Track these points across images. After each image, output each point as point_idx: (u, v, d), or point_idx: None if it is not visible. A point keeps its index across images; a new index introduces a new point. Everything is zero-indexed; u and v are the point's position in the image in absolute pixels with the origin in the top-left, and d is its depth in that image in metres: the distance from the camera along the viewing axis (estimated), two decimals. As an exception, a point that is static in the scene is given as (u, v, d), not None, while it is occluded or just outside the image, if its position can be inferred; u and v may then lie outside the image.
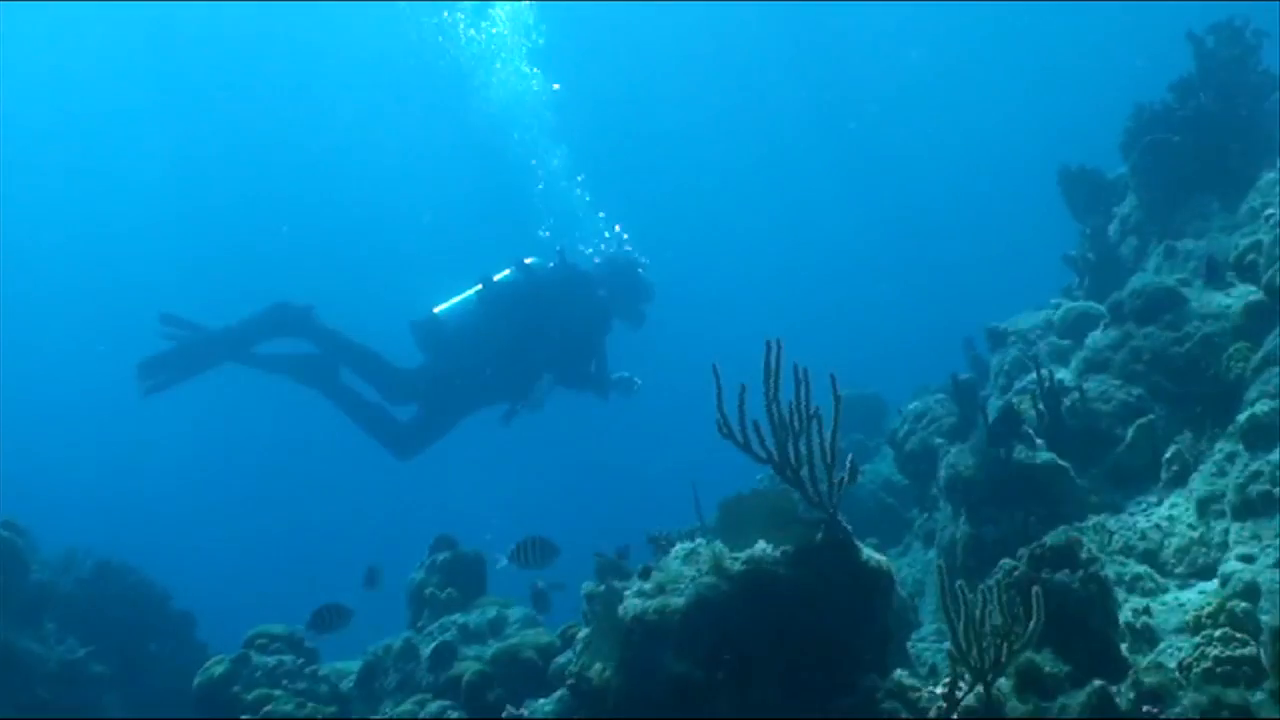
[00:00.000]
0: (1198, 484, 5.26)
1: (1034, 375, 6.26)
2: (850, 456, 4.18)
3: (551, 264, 9.48)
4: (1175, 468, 5.52)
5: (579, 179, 13.71)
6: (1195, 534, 5.07)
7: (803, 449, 4.09)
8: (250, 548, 26.77)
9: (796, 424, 4.08)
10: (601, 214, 13.38)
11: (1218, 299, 6.16)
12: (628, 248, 10.36)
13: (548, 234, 12.16)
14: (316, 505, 28.53)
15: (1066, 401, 5.95)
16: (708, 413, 4.07)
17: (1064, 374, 6.60)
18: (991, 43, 30.61)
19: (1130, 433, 5.80)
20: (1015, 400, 5.85)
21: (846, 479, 4.10)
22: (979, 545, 5.76)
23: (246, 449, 29.92)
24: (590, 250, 10.23)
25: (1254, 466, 4.95)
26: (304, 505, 28.66)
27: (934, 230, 33.33)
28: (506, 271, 9.33)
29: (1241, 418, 5.19)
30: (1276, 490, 4.79)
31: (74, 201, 33.09)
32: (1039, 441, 5.86)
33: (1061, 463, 5.74)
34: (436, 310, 9.18)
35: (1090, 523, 5.42)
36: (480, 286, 9.18)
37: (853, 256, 34.73)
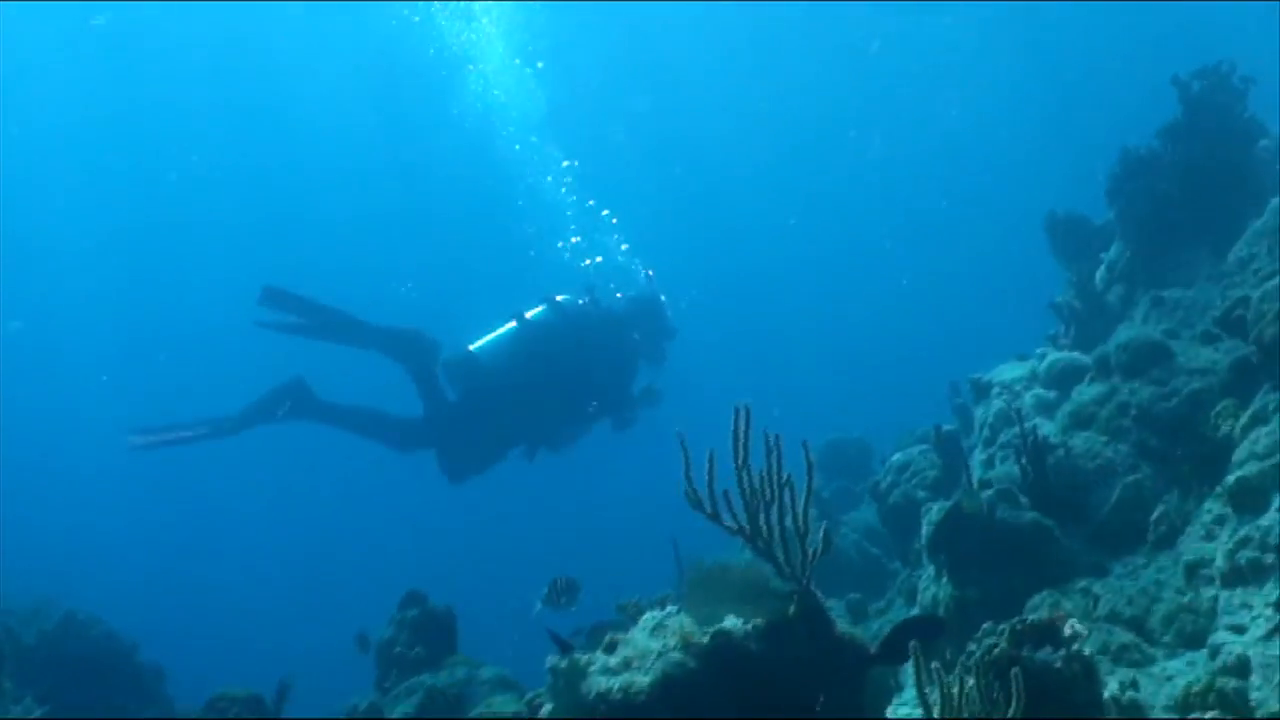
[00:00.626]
0: (1185, 547, 5.10)
1: (1018, 429, 6.10)
2: (824, 525, 4.02)
3: (582, 301, 9.39)
4: (1162, 529, 5.37)
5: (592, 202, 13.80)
6: (1183, 600, 4.90)
7: (774, 518, 3.94)
8: (231, 598, 26.47)
9: (768, 492, 3.93)
10: (613, 218, 13.43)
11: (1205, 353, 6.03)
12: (648, 272, 10.38)
13: (589, 263, 12.31)
14: (300, 554, 28.28)
15: (1051, 459, 5.79)
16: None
17: (1049, 427, 6.46)
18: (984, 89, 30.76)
19: (1116, 492, 5.65)
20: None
21: (820, 549, 3.94)
22: (962, 606, 5.61)
23: (229, 498, 29.74)
24: (613, 285, 10.20)
25: (1243, 532, 4.78)
26: (289, 552, 28.41)
27: (921, 270, 33.30)
28: (539, 309, 9.22)
29: (1230, 480, 5.03)
30: (1267, 558, 4.63)
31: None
32: (1023, 500, 5.71)
33: (1046, 522, 5.60)
34: (472, 348, 9.01)
35: (1076, 586, 5.26)
36: (514, 324, 9.08)
37: (837, 296, 34.70)
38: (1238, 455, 5.27)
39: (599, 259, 12.58)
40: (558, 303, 9.21)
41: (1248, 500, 4.92)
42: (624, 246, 12.81)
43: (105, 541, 29.00)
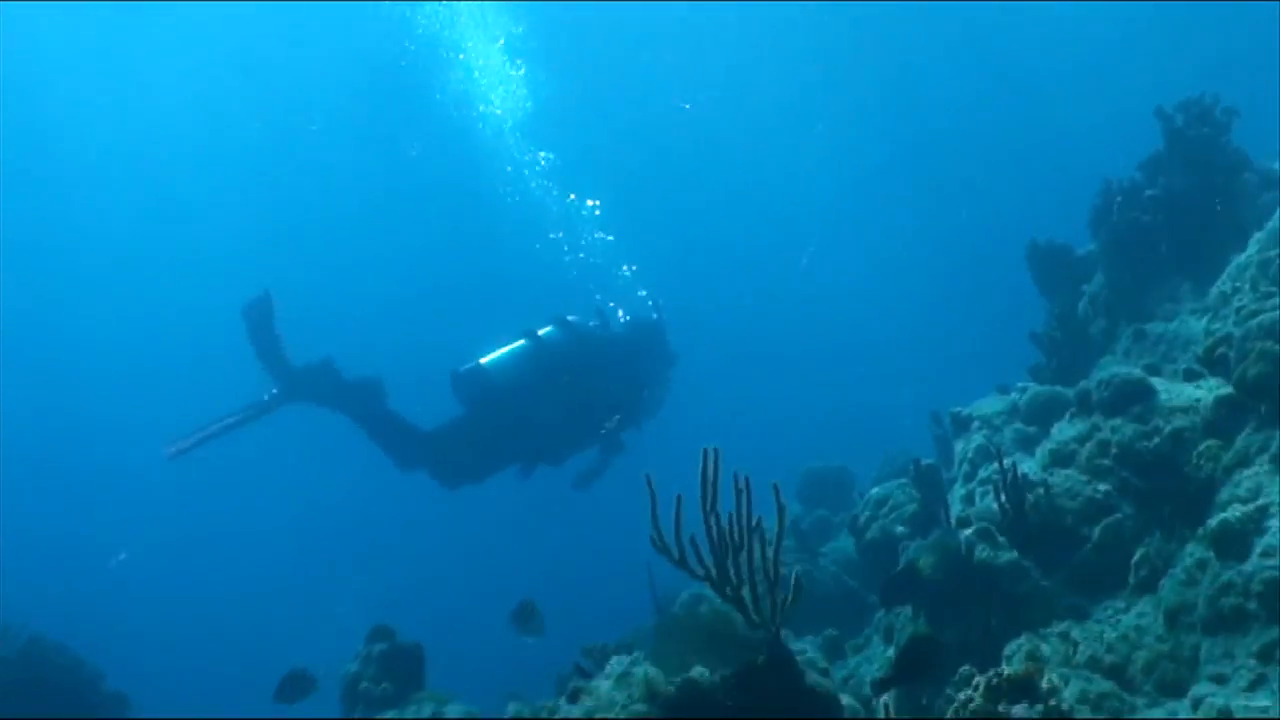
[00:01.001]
0: (1167, 592, 4.98)
1: (997, 466, 5.99)
2: (795, 572, 3.90)
3: (592, 324, 9.49)
4: (1144, 572, 5.25)
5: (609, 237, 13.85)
6: (1164, 647, 4.79)
7: (743, 564, 3.81)
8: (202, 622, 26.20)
9: (736, 537, 3.81)
10: (610, 237, 13.46)
11: (1188, 391, 5.93)
12: (650, 301, 10.52)
13: (599, 296, 12.09)
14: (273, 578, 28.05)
15: (1031, 497, 5.67)
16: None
17: (1029, 464, 6.35)
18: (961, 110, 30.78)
19: (1097, 532, 5.53)
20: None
21: (790, 597, 3.82)
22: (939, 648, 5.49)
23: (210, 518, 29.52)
24: (613, 304, 10.33)
25: (1225, 577, 4.68)
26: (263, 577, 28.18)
27: (902, 298, 33.23)
28: (548, 328, 9.30)
29: (1213, 523, 4.92)
30: (1250, 605, 4.52)
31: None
32: (1001, 539, 5.60)
33: (1025, 563, 5.49)
34: (483, 361, 9.04)
35: (1055, 629, 5.15)
36: (524, 341, 9.16)
37: (819, 322, 34.60)
38: (1221, 497, 5.17)
39: (634, 266, 12.94)
40: (569, 322, 9.30)
41: (1230, 545, 4.81)
42: (630, 269, 13.04)
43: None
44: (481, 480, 9.36)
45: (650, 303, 10.53)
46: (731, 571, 3.78)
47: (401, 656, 6.59)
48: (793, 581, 3.83)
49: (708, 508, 3.76)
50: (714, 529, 3.78)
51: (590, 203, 13.99)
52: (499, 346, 9.18)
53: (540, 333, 9.20)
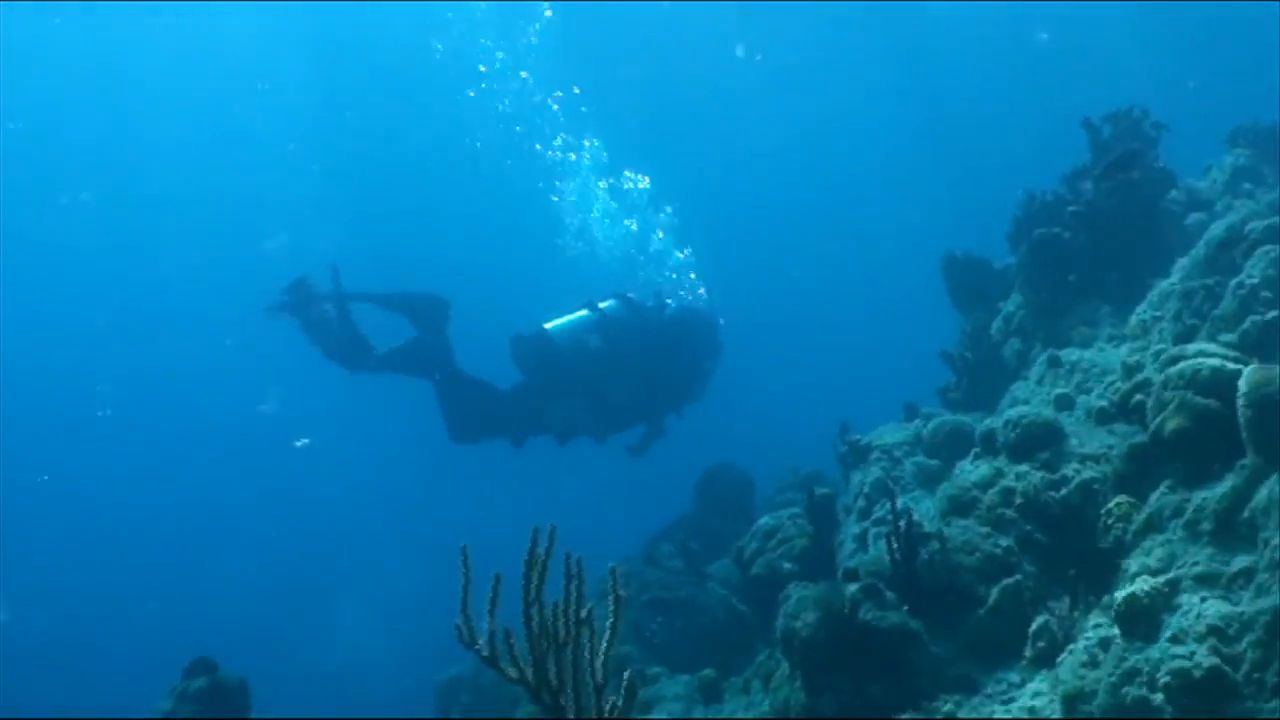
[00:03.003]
0: (1066, 671, 4.46)
1: (892, 512, 5.44)
2: (628, 673, 3.28)
3: (650, 304, 9.66)
4: (1042, 644, 4.74)
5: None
6: (1059, 739, 4.27)
7: (567, 665, 3.18)
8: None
9: (562, 630, 3.18)
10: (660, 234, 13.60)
11: (1100, 436, 5.43)
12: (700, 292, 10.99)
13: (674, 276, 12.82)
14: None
15: (924, 553, 5.12)
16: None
17: (927, 504, 5.82)
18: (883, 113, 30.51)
19: (994, 594, 5.00)
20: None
21: (621, 705, 3.20)
22: (815, 715, 4.95)
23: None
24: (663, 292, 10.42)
25: (1131, 662, 4.16)
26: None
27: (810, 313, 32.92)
28: (609, 301, 9.47)
29: (1119, 596, 4.40)
30: (1155, 698, 4.00)
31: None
32: (889, 596, 5.05)
33: (913, 625, 4.94)
34: (547, 326, 9.22)
35: (941, 707, 4.61)
36: (586, 311, 9.34)
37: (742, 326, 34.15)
38: (1129, 565, 4.66)
39: (689, 250, 13.28)
40: (629, 299, 9.48)
41: (1138, 623, 4.29)
42: (685, 253, 13.40)
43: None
44: (490, 438, 9.52)
45: (703, 291, 10.98)
46: (552, 672, 3.14)
47: (223, 695, 5.89)
48: (625, 682, 3.21)
49: (531, 596, 3.12)
50: (536, 619, 3.14)
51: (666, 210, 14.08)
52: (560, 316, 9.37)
53: (601, 305, 9.35)
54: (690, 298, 10.87)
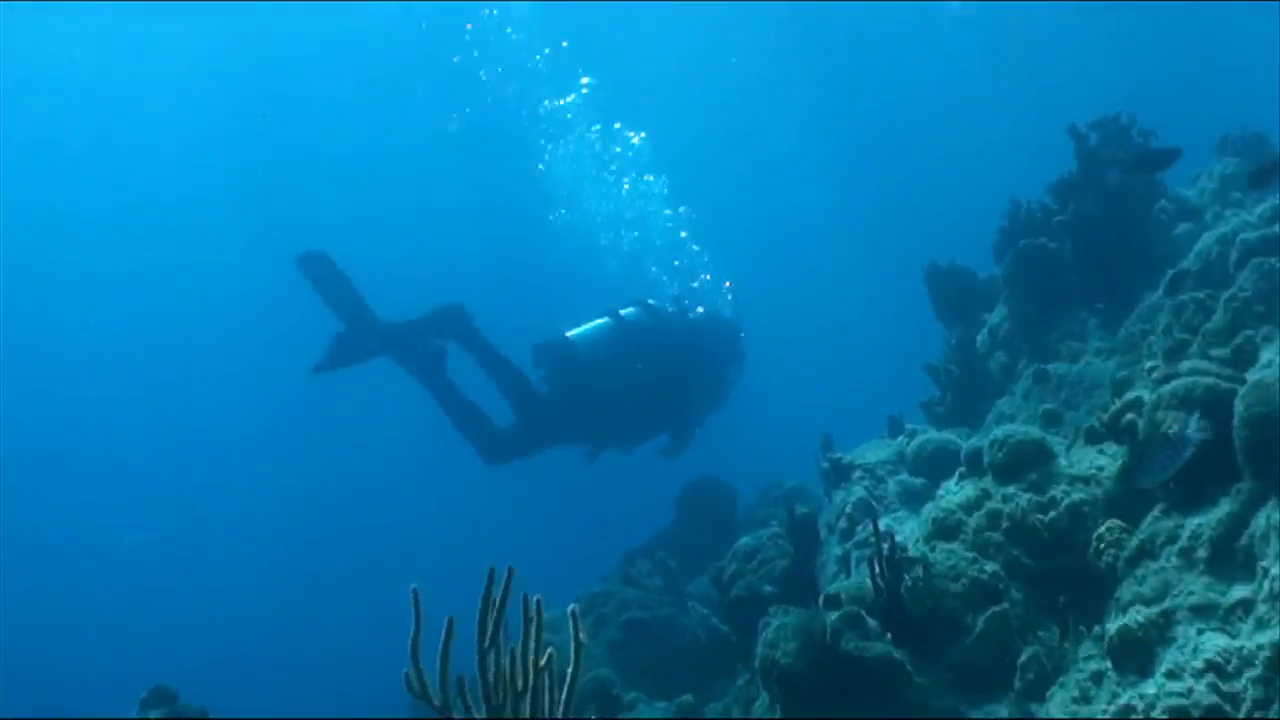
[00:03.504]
0: (1056, 708, 4.26)
1: (874, 536, 5.23)
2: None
3: (671, 309, 9.61)
4: (1031, 675, 4.53)
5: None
6: (1050, 780, 4.07)
7: (525, 714, 2.97)
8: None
9: (519, 679, 2.96)
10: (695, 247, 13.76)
11: (1090, 457, 5.23)
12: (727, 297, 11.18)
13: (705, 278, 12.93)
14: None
15: (908, 579, 4.92)
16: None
17: (911, 525, 5.63)
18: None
19: (981, 623, 4.80)
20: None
21: (585, 756, 2.99)
22: (795, 750, 4.74)
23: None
24: (686, 298, 10.37)
25: (1124, 698, 3.96)
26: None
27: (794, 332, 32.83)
28: (630, 308, 9.41)
29: (1112, 628, 4.21)
30: (1151, 736, 3.80)
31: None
32: (872, 625, 4.84)
33: (897, 656, 4.73)
34: (570, 334, 9.12)
35: (926, 743, 4.41)
36: (608, 319, 9.26)
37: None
38: (1122, 594, 4.46)
39: (707, 277, 13.33)
40: (650, 305, 9.41)
41: (1131, 656, 4.10)
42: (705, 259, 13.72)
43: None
44: (527, 456, 9.38)
45: (730, 298, 11.07)
46: (509, 724, 2.93)
47: (181, 728, 5.65)
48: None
49: (486, 642, 2.91)
50: (493, 667, 2.93)
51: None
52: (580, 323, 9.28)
53: (622, 312, 9.28)
54: (703, 309, 10.57)
